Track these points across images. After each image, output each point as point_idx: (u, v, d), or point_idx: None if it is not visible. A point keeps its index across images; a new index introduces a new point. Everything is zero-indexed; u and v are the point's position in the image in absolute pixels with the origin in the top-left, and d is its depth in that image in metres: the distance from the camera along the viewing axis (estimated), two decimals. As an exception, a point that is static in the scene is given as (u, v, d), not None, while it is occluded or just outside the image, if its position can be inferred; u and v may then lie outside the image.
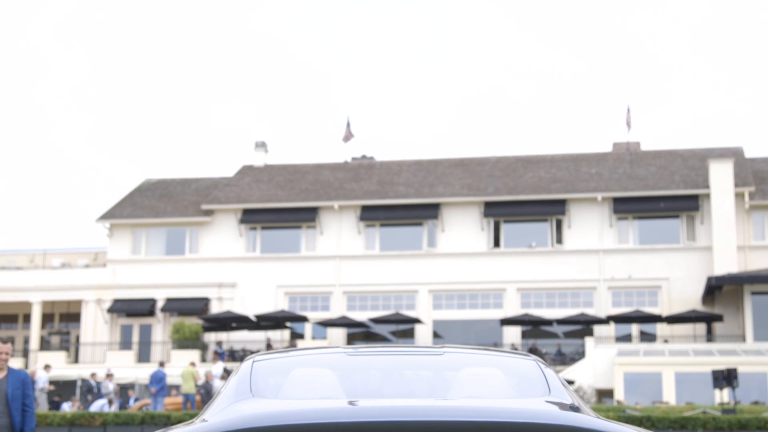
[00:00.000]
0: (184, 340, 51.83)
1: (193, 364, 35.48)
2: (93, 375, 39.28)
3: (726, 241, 50.04)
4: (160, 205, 57.25)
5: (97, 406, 35.36)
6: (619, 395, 41.99)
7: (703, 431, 25.87)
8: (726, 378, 31.19)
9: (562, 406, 4.35)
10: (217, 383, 34.09)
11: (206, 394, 33.56)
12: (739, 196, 51.32)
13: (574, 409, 4.31)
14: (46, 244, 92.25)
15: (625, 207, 52.25)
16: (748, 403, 37.22)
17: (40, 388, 35.43)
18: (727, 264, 49.51)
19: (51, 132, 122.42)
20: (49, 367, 38.61)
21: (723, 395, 35.03)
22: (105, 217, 56.26)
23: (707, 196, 51.46)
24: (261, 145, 60.76)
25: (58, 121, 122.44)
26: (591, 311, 51.32)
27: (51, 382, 46.17)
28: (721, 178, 50.63)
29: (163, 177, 61.48)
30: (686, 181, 52.69)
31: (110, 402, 36.06)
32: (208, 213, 55.64)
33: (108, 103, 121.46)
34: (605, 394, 44.85)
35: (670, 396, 41.49)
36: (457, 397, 4.62)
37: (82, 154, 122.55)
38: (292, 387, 4.77)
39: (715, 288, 49.26)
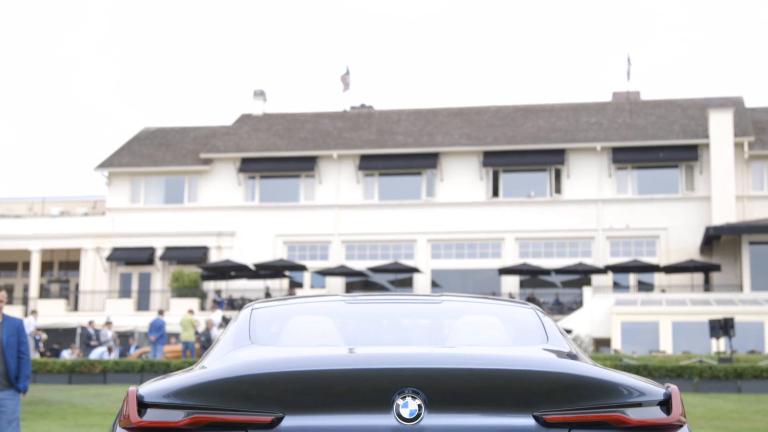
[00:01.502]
0: (183, 289, 51.98)
1: (191, 312, 35.55)
2: (91, 323, 39.36)
3: (725, 191, 50.03)
4: (159, 153, 57.14)
5: (97, 353, 35.51)
6: (617, 344, 42.20)
7: (699, 380, 26.04)
8: (723, 327, 31.31)
9: (560, 354, 4.36)
10: (215, 331, 34.19)
11: (206, 341, 33.66)
12: (738, 146, 51.25)
13: (572, 357, 4.33)
14: (45, 192, 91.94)
15: (625, 157, 52.17)
16: (745, 352, 37.42)
17: (27, 334, 35.45)
18: (725, 214, 49.56)
19: (49, 80, 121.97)
20: (35, 312, 38.65)
21: (719, 344, 35.21)
22: (103, 165, 56.18)
23: (706, 146, 51.37)
24: (259, 94, 60.54)
25: (56, 69, 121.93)
26: (589, 261, 51.43)
27: (50, 330, 46.41)
28: (720, 128, 50.51)
29: (162, 125, 61.32)
30: (686, 131, 52.58)
31: (109, 350, 36.21)
32: (207, 162, 55.56)
33: (106, 52, 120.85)
34: (602, 343, 45.10)
35: (666, 345, 41.71)
36: (455, 344, 4.63)
37: (81, 102, 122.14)
38: (290, 334, 4.78)
39: (713, 238, 49.35)
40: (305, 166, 54.58)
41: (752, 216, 50.55)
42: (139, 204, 55.98)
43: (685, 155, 51.68)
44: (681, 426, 3.98)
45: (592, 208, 52.15)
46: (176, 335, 40.10)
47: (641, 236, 51.89)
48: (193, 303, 49.88)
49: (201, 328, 35.99)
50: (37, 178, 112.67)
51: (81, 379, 29.23)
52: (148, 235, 54.79)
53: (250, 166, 54.90)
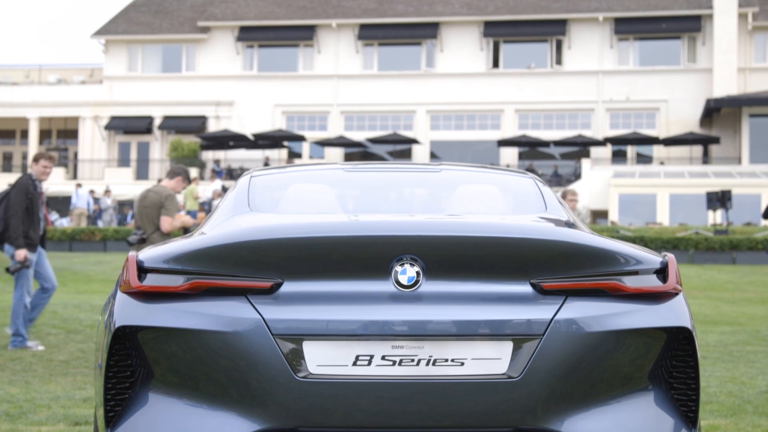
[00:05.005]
0: (182, 158, 51.98)
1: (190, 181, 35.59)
2: (92, 192, 39.56)
3: (727, 62, 49.62)
4: (156, 21, 56.46)
5: (81, 198, 35.25)
6: (614, 216, 42.43)
7: (695, 251, 26.28)
8: (720, 199, 31.43)
9: (558, 222, 4.38)
10: (215, 201, 34.32)
11: (209, 210, 33.81)
12: (742, 16, 50.62)
13: (570, 225, 4.34)
14: (42, 59, 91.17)
15: (627, 27, 51.59)
16: (741, 224, 37.67)
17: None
18: (726, 86, 49.26)
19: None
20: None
21: (716, 216, 35.39)
22: (100, 32, 55.54)
23: (710, 16, 50.75)
24: (257, -39, 59.51)
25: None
26: (588, 133, 51.34)
27: (49, 198, 46.56)
28: (724, -2, 49.82)
29: (158, -8, 60.41)
30: (689, 0, 51.88)
31: (95, 211, 36.05)
32: (205, 30, 54.94)
33: None
34: (600, 215, 45.33)
35: (663, 217, 41.94)
36: (454, 212, 4.64)
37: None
38: (289, 202, 4.78)
39: (713, 110, 49.16)
40: (304, 35, 54.01)
41: (753, 88, 50.27)
42: (137, 72, 55.58)
43: (688, 26, 51.11)
44: (677, 294, 4.02)
45: (593, 79, 51.82)
46: (176, 204, 40.17)
47: (641, 108, 51.69)
48: (192, 172, 49.94)
49: (201, 198, 36.03)
50: (34, 44, 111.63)
51: (81, 246, 29.51)
52: (146, 104, 54.52)
53: (248, 35, 54.34)
